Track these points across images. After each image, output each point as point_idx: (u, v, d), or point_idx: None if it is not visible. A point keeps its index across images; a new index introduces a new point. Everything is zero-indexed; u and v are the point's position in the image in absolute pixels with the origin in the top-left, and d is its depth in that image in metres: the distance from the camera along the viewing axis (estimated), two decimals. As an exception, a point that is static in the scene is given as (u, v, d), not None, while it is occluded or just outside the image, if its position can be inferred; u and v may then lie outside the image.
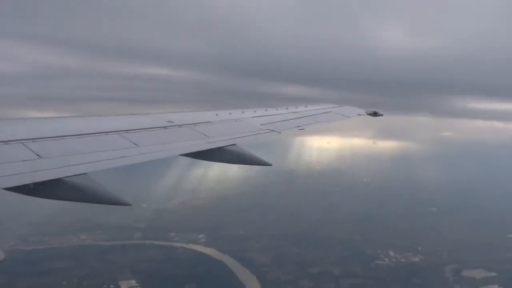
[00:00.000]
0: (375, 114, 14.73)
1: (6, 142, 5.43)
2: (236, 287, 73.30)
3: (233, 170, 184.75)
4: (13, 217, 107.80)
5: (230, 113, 10.28)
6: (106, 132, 6.78)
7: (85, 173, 5.21)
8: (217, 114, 9.86)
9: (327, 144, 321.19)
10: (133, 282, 73.08)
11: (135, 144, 6.65)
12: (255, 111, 11.02)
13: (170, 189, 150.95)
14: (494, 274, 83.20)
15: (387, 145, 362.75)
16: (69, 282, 72.57)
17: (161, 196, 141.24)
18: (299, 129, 10.60)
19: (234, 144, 7.86)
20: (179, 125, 8.22)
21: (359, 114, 14.46)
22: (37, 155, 5.33)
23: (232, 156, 7.61)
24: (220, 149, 7.57)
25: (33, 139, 5.71)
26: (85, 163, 5.50)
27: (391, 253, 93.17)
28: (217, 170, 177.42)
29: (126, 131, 7.06)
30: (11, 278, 73.12)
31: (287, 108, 12.34)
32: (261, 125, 9.82)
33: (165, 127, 7.92)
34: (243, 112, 10.68)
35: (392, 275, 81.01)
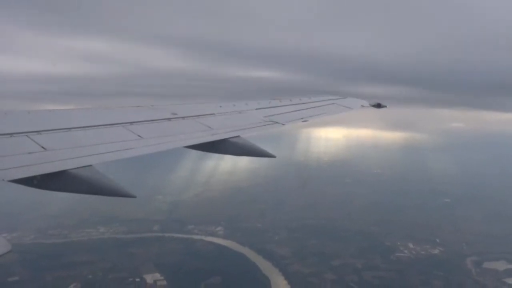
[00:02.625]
0: (378, 106, 14.72)
1: (11, 134, 5.47)
2: (260, 280, 73.27)
3: (243, 162, 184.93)
4: (30, 210, 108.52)
5: (233, 105, 10.31)
6: (111, 125, 6.85)
7: (90, 165, 5.23)
8: (220, 106, 9.89)
9: (343, 137, 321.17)
10: (158, 276, 73.18)
11: (139, 136, 6.71)
12: (258, 103, 11.01)
13: (183, 181, 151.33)
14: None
15: (394, 136, 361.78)
16: (94, 276, 72.81)
17: (176, 188, 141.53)
18: (303, 121, 10.58)
19: (238, 136, 7.88)
20: (183, 117, 8.29)
21: (363, 106, 14.48)
22: (42, 147, 5.36)
23: (236, 148, 7.64)
24: (224, 141, 7.60)
25: (38, 132, 5.75)
26: (90, 155, 5.54)
27: (410, 245, 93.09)
28: (228, 162, 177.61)
29: (131, 123, 7.13)
30: (37, 272, 73.54)
31: (290, 100, 12.33)
32: (265, 117, 9.83)
33: (169, 119, 7.98)
34: (246, 104, 10.69)
35: (413, 268, 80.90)
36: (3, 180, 4.39)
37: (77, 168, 5.08)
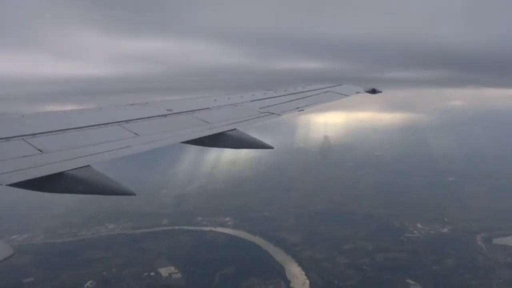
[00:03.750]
0: (373, 91, 14.87)
1: (6, 138, 5.46)
2: (274, 268, 73.65)
3: (244, 152, 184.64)
4: (37, 211, 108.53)
5: (228, 98, 10.34)
6: (106, 124, 6.85)
7: (87, 165, 5.25)
8: (215, 100, 9.91)
9: (342, 121, 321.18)
10: (172, 269, 73.35)
11: (135, 134, 6.72)
12: (253, 95, 11.03)
13: (186, 175, 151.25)
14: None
15: (393, 118, 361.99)
16: (109, 272, 72.93)
17: (179, 182, 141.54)
18: (299, 111, 10.62)
19: (234, 129, 7.89)
20: (179, 113, 8.30)
21: (358, 92, 14.63)
22: (39, 150, 5.37)
23: (233, 141, 7.68)
24: (220, 135, 7.62)
25: (34, 135, 5.75)
26: (87, 156, 5.56)
27: (419, 225, 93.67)
28: (229, 153, 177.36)
29: (126, 121, 7.14)
30: (52, 271, 73.65)
31: (285, 90, 12.40)
32: (260, 108, 9.85)
33: (165, 116, 8.00)
34: (241, 97, 10.72)
35: (424, 248, 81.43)
36: (0, 184, 4.38)
37: (75, 169, 5.10)
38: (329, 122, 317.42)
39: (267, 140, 8.10)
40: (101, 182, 5.17)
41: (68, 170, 5.03)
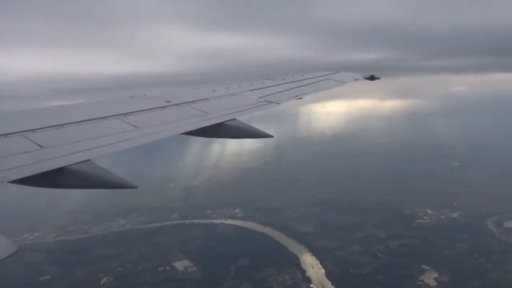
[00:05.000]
0: (372, 78, 14.75)
1: (6, 135, 5.45)
2: (289, 258, 73.92)
3: (248, 143, 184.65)
4: (46, 209, 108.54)
5: (227, 88, 10.26)
6: (105, 117, 6.83)
7: (88, 160, 5.24)
8: (214, 90, 9.87)
9: (343, 110, 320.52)
10: (187, 262, 73.60)
11: (135, 126, 6.71)
12: (252, 84, 10.96)
13: (192, 168, 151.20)
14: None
15: (394, 105, 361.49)
16: (124, 268, 73.16)
17: (186, 175, 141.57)
18: (298, 99, 10.60)
19: (234, 119, 7.89)
20: (178, 104, 8.27)
21: (356, 79, 14.55)
22: (39, 145, 5.36)
23: (232, 131, 7.69)
24: (220, 125, 7.60)
25: (33, 130, 5.73)
26: (87, 150, 5.55)
27: (429, 211, 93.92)
28: (233, 145, 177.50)
29: (125, 114, 7.11)
30: (67, 268, 73.89)
31: (283, 79, 12.33)
32: (259, 97, 9.82)
33: (164, 107, 7.97)
34: (240, 86, 10.61)
35: (436, 233, 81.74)
36: (2, 181, 4.36)
37: (76, 163, 5.09)
38: (330, 111, 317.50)
39: (268, 131, 8.16)
40: (102, 176, 5.20)
41: (69, 165, 5.03)
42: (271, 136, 8.10)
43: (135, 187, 5.33)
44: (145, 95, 8.92)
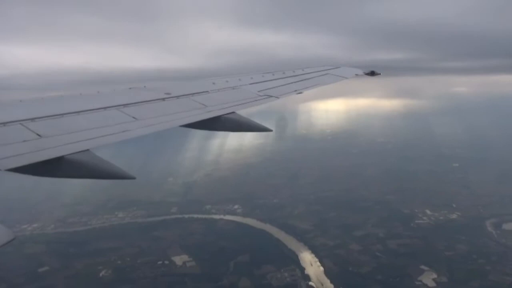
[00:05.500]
0: (372, 73, 14.70)
1: (5, 124, 5.46)
2: (288, 255, 73.95)
3: (248, 139, 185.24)
4: (46, 200, 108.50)
5: (227, 81, 10.27)
6: (105, 108, 6.85)
7: (87, 150, 5.27)
8: (214, 83, 9.87)
9: (343, 108, 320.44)
10: (186, 257, 73.52)
11: (134, 117, 6.72)
12: (251, 78, 11.04)
13: (192, 162, 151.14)
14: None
15: (394, 104, 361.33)
16: (123, 261, 73.08)
17: (185, 169, 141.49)
18: (297, 93, 10.56)
19: (233, 112, 7.93)
20: (177, 96, 8.30)
21: (357, 74, 14.52)
22: (37, 134, 5.38)
23: (231, 124, 7.73)
24: (219, 118, 7.64)
25: (32, 119, 5.75)
26: (85, 140, 5.56)
27: (428, 212, 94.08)
28: (233, 140, 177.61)
29: (125, 105, 7.12)
30: (66, 260, 73.78)
31: (283, 73, 12.30)
32: (259, 91, 9.83)
33: (163, 99, 7.98)
34: (239, 79, 10.62)
35: (435, 234, 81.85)
36: (0, 170, 4.37)
37: (74, 153, 5.12)
38: (330, 109, 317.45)
39: (268, 127, 8.14)
40: (100, 166, 5.24)
41: (68, 155, 5.05)
42: (270, 130, 8.08)
43: (133, 178, 5.34)
44: (145, 86, 8.91)
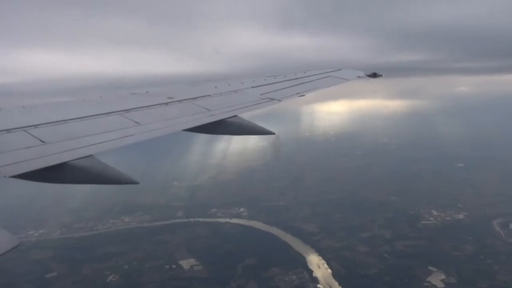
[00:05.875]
0: (374, 75, 14.72)
1: (8, 130, 5.49)
2: (295, 258, 73.86)
3: (251, 142, 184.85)
4: (51, 205, 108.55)
5: (229, 85, 10.29)
6: (108, 113, 6.87)
7: (90, 155, 5.28)
8: (216, 87, 9.86)
9: (346, 109, 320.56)
10: (193, 261, 73.52)
11: (137, 122, 6.73)
12: (253, 81, 11.04)
13: (196, 166, 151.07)
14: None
15: (396, 104, 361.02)
16: (130, 266, 73.15)
17: (190, 173, 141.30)
18: (299, 96, 10.57)
19: (235, 116, 7.95)
20: (180, 101, 8.32)
21: (359, 77, 14.52)
22: (41, 141, 5.41)
23: (234, 128, 7.76)
24: (222, 122, 7.67)
25: (35, 126, 5.78)
26: (89, 145, 5.59)
27: (434, 212, 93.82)
28: (236, 143, 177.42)
29: (127, 110, 7.15)
30: (73, 266, 73.85)
31: (285, 76, 12.33)
32: (261, 94, 9.83)
33: (166, 104, 8.03)
34: (242, 83, 10.66)
35: (442, 234, 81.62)
36: (4, 176, 4.38)
37: (77, 159, 5.13)
38: (333, 110, 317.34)
39: (271, 129, 8.15)
40: (104, 172, 5.23)
41: (71, 161, 5.05)
42: (273, 133, 8.08)
43: (137, 183, 5.36)
44: (147, 91, 8.95)
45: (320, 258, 73.51)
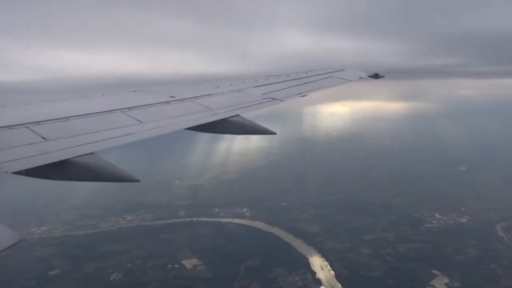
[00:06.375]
0: (376, 76, 14.72)
1: (11, 127, 5.50)
2: (298, 259, 73.72)
3: (253, 142, 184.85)
4: (53, 202, 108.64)
5: (231, 84, 10.26)
6: (110, 111, 6.86)
7: (91, 153, 5.29)
8: (218, 86, 9.83)
9: (341, 107, 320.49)
10: (196, 261, 73.44)
11: (139, 121, 6.74)
12: (256, 81, 11.01)
13: (198, 165, 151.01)
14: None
15: (399, 107, 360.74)
16: (133, 264, 73.08)
17: (192, 172, 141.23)
18: (301, 96, 10.54)
19: (237, 115, 7.93)
20: (182, 100, 8.30)
21: (361, 77, 14.47)
22: (43, 137, 5.43)
23: (236, 127, 7.74)
24: (223, 121, 7.65)
25: (38, 122, 5.79)
26: (90, 143, 5.60)
27: (437, 215, 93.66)
28: (238, 143, 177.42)
29: (129, 108, 7.14)
30: (76, 263, 73.79)
31: (288, 76, 12.27)
32: (263, 94, 9.80)
33: (168, 102, 8.02)
34: (244, 82, 10.61)
35: (445, 238, 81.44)
36: (6, 172, 4.40)
37: (79, 156, 5.13)
38: (335, 112, 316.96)
39: (273, 130, 8.15)
40: (105, 169, 5.22)
41: (73, 158, 5.07)
42: (274, 133, 8.11)
43: (138, 181, 5.36)
44: (149, 89, 8.94)
45: (323, 259, 73.36)
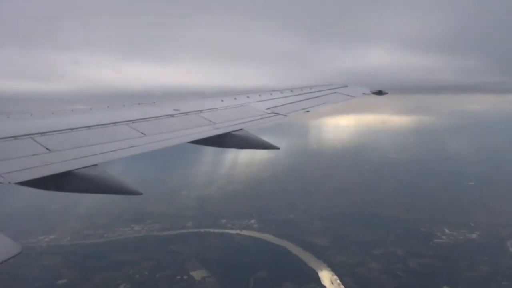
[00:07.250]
0: (380, 93, 14.78)
1: (15, 137, 5.52)
2: (308, 273, 73.17)
3: (259, 153, 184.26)
4: (60, 211, 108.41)
5: (235, 98, 10.35)
6: (114, 123, 6.90)
7: (95, 165, 5.30)
8: (222, 100, 9.93)
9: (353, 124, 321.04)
10: (204, 272, 72.99)
11: (142, 133, 6.79)
12: (260, 95, 11.12)
13: (204, 176, 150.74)
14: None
15: (405, 120, 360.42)
16: (141, 275, 72.69)
17: (198, 183, 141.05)
18: (305, 112, 10.61)
19: (241, 129, 8.01)
20: (186, 113, 8.35)
21: (364, 94, 14.58)
22: (47, 148, 5.43)
23: (239, 141, 7.81)
24: (227, 135, 7.71)
25: (42, 133, 5.81)
26: (94, 155, 5.61)
27: (447, 230, 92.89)
28: (244, 154, 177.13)
29: (133, 121, 7.18)
30: (84, 273, 73.48)
31: (292, 91, 12.40)
32: (267, 109, 9.93)
33: (172, 115, 8.08)
34: (248, 97, 10.72)
35: (456, 253, 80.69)
36: (9, 183, 4.41)
37: (82, 168, 5.15)
38: (340, 124, 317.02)
39: (278, 142, 8.24)
40: (108, 181, 5.23)
41: (76, 169, 5.08)
42: (277, 148, 8.16)
43: (140, 194, 5.36)
44: (153, 102, 9.01)
45: (333, 273, 72.74)
